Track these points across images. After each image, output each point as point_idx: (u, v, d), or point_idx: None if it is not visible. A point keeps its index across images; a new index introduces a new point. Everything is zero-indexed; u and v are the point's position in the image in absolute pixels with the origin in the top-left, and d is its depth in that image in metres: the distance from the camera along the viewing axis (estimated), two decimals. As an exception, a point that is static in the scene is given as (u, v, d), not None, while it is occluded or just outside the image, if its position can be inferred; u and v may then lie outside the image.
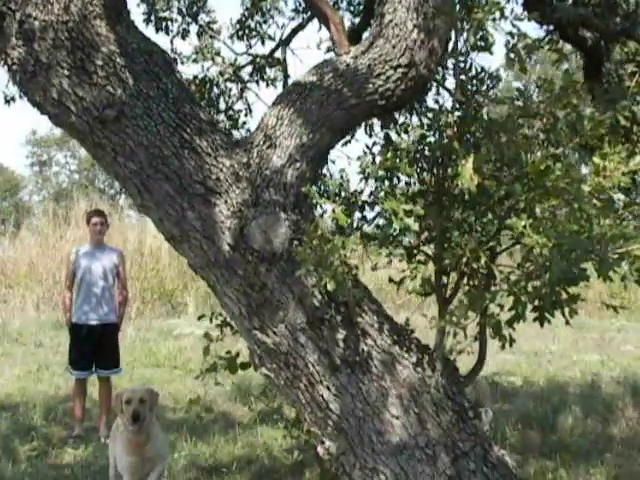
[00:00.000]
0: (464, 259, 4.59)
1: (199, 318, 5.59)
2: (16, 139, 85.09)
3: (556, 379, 11.79)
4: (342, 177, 5.07)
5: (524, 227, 4.07)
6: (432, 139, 4.71)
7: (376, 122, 6.23)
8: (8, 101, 8.85)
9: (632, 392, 10.59)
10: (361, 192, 4.88)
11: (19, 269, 20.20)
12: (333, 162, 7.53)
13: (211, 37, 9.38)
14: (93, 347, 9.05)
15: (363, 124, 6.14)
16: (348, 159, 6.12)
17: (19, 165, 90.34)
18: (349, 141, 7.13)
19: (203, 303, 17.72)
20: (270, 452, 7.81)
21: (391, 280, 5.09)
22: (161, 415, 9.65)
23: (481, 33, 4.83)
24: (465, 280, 4.83)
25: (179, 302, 18.67)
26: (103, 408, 9.12)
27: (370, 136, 6.33)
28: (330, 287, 4.27)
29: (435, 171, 4.71)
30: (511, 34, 4.55)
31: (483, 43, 4.91)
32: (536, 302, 4.34)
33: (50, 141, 52.04)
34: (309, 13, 8.72)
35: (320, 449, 4.80)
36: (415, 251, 4.85)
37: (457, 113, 4.80)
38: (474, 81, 4.93)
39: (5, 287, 19.52)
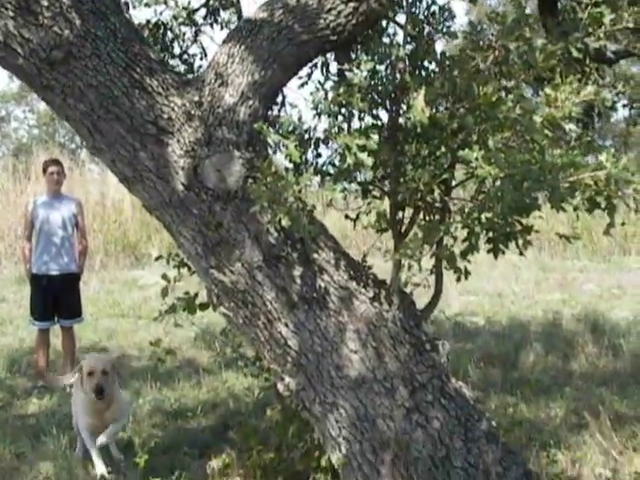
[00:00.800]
0: (418, 193, 4.60)
1: (156, 259, 5.58)
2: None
3: (518, 318, 11.93)
4: (295, 115, 5.06)
5: (476, 159, 4.08)
6: (384, 73, 4.69)
7: (332, 62, 6.19)
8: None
9: (592, 329, 10.75)
10: (315, 128, 4.86)
11: (-21, 225, 19.97)
12: (293, 105, 7.47)
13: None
14: (54, 297, 9.01)
15: (319, 64, 6.10)
16: (305, 100, 6.06)
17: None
18: (306, 82, 7.07)
19: (167, 254, 17.56)
20: (234, 395, 7.87)
21: (347, 217, 5.10)
22: (126, 364, 9.72)
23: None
24: (420, 215, 4.85)
25: (143, 253, 18.58)
26: (67, 358, 9.12)
27: (327, 78, 6.28)
28: (285, 223, 4.27)
29: (388, 106, 4.70)
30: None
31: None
32: (490, 234, 4.38)
33: (7, 96, 51.19)
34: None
35: (280, 386, 4.83)
36: (370, 187, 4.86)
37: (409, 47, 4.78)
38: (426, 14, 4.89)
39: (-34, 243, 19.31)
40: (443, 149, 4.56)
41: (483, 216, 4.26)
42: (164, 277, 5.27)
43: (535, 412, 7.17)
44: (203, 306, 5.23)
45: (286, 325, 4.65)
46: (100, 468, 6.14)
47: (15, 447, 6.65)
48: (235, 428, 6.60)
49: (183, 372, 9.12)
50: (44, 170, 9.30)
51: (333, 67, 6.30)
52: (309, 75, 6.98)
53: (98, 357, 7.03)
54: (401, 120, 4.76)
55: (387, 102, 4.70)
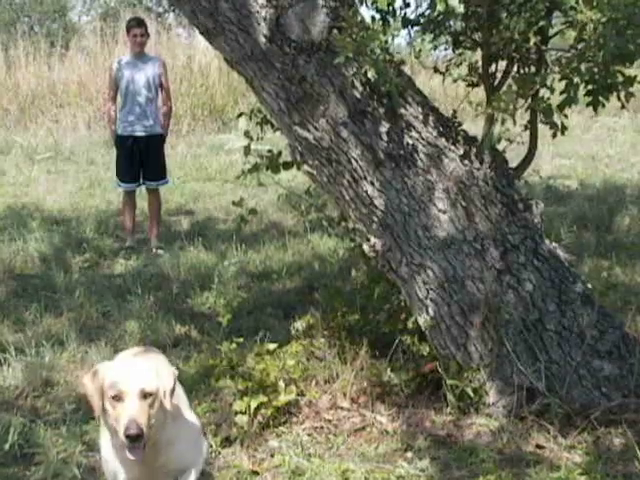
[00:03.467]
0: (513, 43, 4.32)
1: (238, 116, 5.41)
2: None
3: (613, 181, 11.52)
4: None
5: (577, 3, 3.78)
6: None
7: None
8: None
9: (691, 192, 10.36)
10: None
11: (69, 89, 20.05)
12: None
13: None
14: (139, 159, 8.96)
15: None
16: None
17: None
18: None
19: (254, 119, 17.39)
20: (319, 257, 7.79)
21: (436, 70, 4.85)
22: (212, 226, 9.72)
23: None
24: (514, 67, 4.57)
25: (230, 118, 18.45)
26: (153, 220, 9.12)
27: None
28: (371, 75, 4.07)
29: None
30: None
31: None
32: (590, 86, 4.10)
33: (95, -41, 50.88)
34: None
35: (365, 247, 4.70)
36: (461, 37, 4.58)
37: None
38: None
39: (56, 107, 19.43)
40: (541, -5, 4.24)
41: (583, 66, 3.99)
42: (246, 134, 5.12)
43: (631, 275, 6.93)
44: (287, 165, 5.09)
45: (372, 184, 4.49)
46: None
47: (101, 306, 6.71)
48: (320, 290, 6.57)
49: (268, 235, 9.07)
50: (127, 30, 9.12)
51: None
52: None
53: (132, 362, 3.41)
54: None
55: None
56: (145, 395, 3.14)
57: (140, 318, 6.29)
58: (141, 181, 9.12)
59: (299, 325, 5.40)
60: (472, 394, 4.53)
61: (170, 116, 9.42)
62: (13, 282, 7.55)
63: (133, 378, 3.17)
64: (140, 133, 8.91)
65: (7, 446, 4.36)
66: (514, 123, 4.18)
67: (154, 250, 8.75)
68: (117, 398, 3.11)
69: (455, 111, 4.81)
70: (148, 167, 9.03)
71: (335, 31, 4.30)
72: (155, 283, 7.48)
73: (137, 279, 7.46)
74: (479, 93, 4.87)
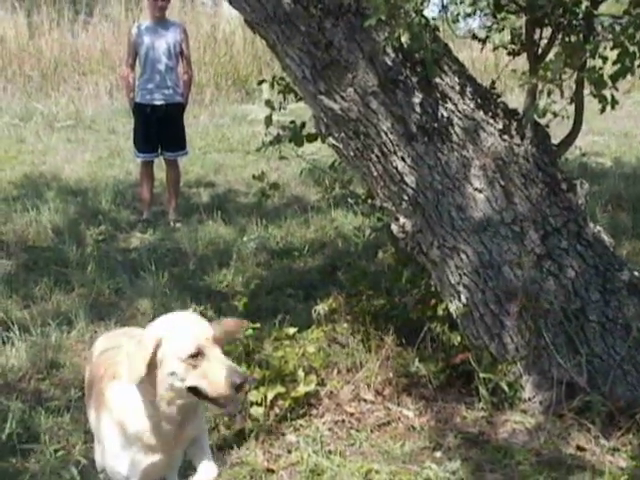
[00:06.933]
0: (560, 8, 3.95)
1: (259, 83, 5.07)
2: None
3: (648, 159, 11.13)
4: None
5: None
6: None
7: None
8: None
9: None
10: None
11: (92, 56, 19.79)
12: None
13: None
14: (158, 128, 8.62)
15: None
16: None
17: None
18: None
19: (278, 89, 17.12)
20: (343, 235, 7.46)
21: (475, 37, 4.49)
22: (232, 199, 9.42)
23: None
24: (560, 34, 4.19)
25: (254, 88, 18.13)
26: (171, 192, 8.83)
27: None
28: (404, 40, 3.73)
29: None
30: None
31: None
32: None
33: None
34: None
35: (394, 226, 4.36)
36: (504, 0, 4.20)
37: None
38: None
39: (78, 74, 19.16)
40: (593, -46, 3.87)
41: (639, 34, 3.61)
42: (267, 103, 4.78)
43: (672, 257, 6.58)
44: (311, 137, 4.76)
45: (402, 159, 4.14)
46: None
47: (114, 282, 6.42)
48: (343, 269, 6.26)
49: (290, 209, 8.75)
50: (147, -7, 8.80)
51: None
52: None
53: (185, 317, 3.06)
54: None
55: None
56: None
57: (154, 296, 6.00)
58: (159, 151, 8.80)
59: (321, 309, 5.07)
60: (507, 388, 4.19)
61: (190, 85, 9.09)
62: (24, 254, 7.28)
63: (203, 329, 2.84)
64: (159, 102, 8.59)
65: (4, 436, 4.05)
66: (561, 95, 3.81)
67: (172, 223, 8.46)
68: (196, 355, 2.74)
69: (494, 82, 4.45)
70: (167, 137, 8.71)
71: (366, -9, 3.95)
72: (171, 258, 7.20)
73: (152, 254, 7.19)
74: (518, 63, 4.52)
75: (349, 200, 5.41)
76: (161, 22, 8.71)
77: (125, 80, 9.04)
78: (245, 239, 7.22)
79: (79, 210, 8.79)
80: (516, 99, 7.61)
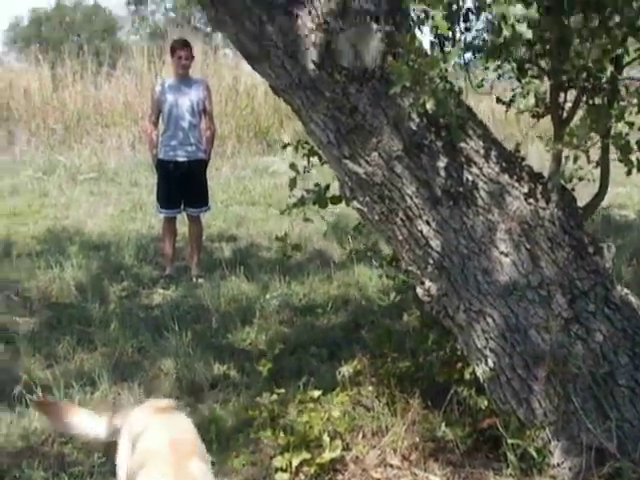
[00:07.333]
0: (585, 72, 3.94)
1: (284, 147, 5.08)
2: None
3: (673, 211, 11.08)
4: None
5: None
6: None
7: None
8: None
9: None
10: (465, -3, 4.21)
11: (115, 108, 19.99)
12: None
13: None
14: (181, 184, 8.66)
15: None
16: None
17: (116, 5, 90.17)
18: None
19: (300, 140, 17.11)
20: (366, 293, 7.44)
21: (499, 100, 4.48)
22: (255, 254, 9.41)
23: None
24: (585, 97, 4.18)
25: (275, 140, 18.23)
26: (194, 247, 8.84)
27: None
28: (429, 106, 3.70)
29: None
30: None
31: None
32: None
33: (145, -21, 51.34)
34: None
35: (419, 290, 4.34)
36: (528, 65, 4.20)
37: None
38: None
39: (101, 127, 19.35)
40: (617, 19, 3.86)
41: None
42: (292, 167, 4.80)
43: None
44: (335, 199, 4.76)
45: (428, 223, 4.13)
46: None
47: (137, 341, 6.41)
48: (367, 327, 6.23)
49: (313, 265, 8.73)
50: (172, 52, 8.86)
51: None
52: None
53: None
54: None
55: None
56: None
57: (177, 356, 5.97)
58: (182, 207, 8.83)
59: (345, 371, 5.04)
60: (535, 454, 4.12)
61: (213, 141, 9.15)
62: (48, 312, 7.30)
63: None
64: (182, 158, 8.64)
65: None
66: (588, 161, 3.80)
67: (194, 279, 8.47)
68: None
69: (518, 144, 4.44)
70: (190, 193, 8.75)
71: (390, 58, 3.97)
72: (194, 315, 7.18)
73: (175, 311, 7.18)
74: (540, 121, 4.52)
75: (374, 263, 5.39)
76: (184, 79, 8.79)
77: (148, 137, 9.11)
78: (268, 296, 7.20)
79: (102, 265, 8.81)
80: (536, 148, 7.60)
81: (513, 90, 4.37)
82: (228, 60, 23.90)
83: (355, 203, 4.32)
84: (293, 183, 4.83)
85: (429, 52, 3.94)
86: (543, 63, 4.19)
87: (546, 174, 4.24)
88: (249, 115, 19.11)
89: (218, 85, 18.45)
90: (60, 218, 11.58)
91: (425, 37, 4.22)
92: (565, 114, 4.26)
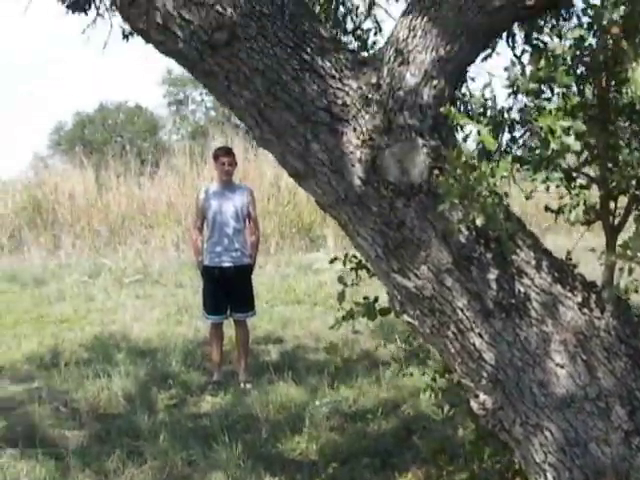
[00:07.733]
0: (634, 180, 3.91)
1: (331, 262, 5.07)
2: (153, 79, 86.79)
3: None
4: (485, 94, 4.42)
5: None
6: (593, 41, 3.99)
7: (518, 32, 5.51)
8: (126, 36, 8.39)
9: None
10: (509, 109, 4.22)
11: (158, 209, 20.26)
12: (473, 80, 6.80)
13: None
14: (227, 290, 8.72)
15: (504, 34, 5.43)
16: (489, 75, 5.43)
17: (157, 105, 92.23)
18: (489, 55, 6.38)
19: (343, 236, 17.26)
20: (417, 401, 7.32)
21: (547, 209, 4.45)
22: (302, 356, 9.36)
23: None
24: (636, 206, 4.14)
25: (318, 235, 18.33)
26: (241, 352, 8.84)
27: (512, 48, 5.59)
28: (479, 222, 3.68)
29: (597, 79, 4.01)
30: None
31: None
32: None
33: (185, 80, 52.34)
34: None
35: (474, 403, 4.25)
36: (575, 174, 4.18)
37: (623, 7, 4.05)
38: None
39: (145, 227, 19.60)
40: (665, 128, 3.85)
41: None
42: (340, 280, 4.79)
43: None
44: (384, 311, 4.72)
45: (480, 336, 4.06)
46: None
47: (187, 454, 6.36)
48: (419, 434, 6.11)
49: (361, 365, 8.70)
50: (215, 158, 9.00)
51: (519, 37, 5.63)
52: (493, 47, 6.29)
53: None
54: (611, 94, 4.06)
55: (596, 74, 4.01)
56: None
57: (227, 468, 5.91)
58: (228, 312, 8.84)
59: (399, 485, 4.94)
60: None
61: (258, 245, 9.22)
62: (96, 423, 7.30)
63: None
64: (227, 264, 8.70)
65: None
66: (644, 271, 3.74)
67: (242, 384, 8.44)
68: None
69: (569, 252, 4.39)
70: (235, 298, 8.78)
71: (436, 172, 3.97)
72: (243, 425, 7.13)
73: (224, 420, 7.13)
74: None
75: (426, 362, 5.30)
76: (228, 186, 8.89)
77: (194, 243, 9.19)
78: (317, 403, 7.14)
79: (149, 372, 8.82)
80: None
81: (561, 197, 4.35)
82: (269, 156, 24.18)
83: (405, 317, 4.27)
84: (342, 296, 4.81)
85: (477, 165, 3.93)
86: (591, 172, 4.17)
87: (597, 278, 4.18)
88: (291, 211, 19.26)
89: (260, 182, 18.66)
90: (107, 323, 11.65)
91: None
92: (617, 221, 4.22)
